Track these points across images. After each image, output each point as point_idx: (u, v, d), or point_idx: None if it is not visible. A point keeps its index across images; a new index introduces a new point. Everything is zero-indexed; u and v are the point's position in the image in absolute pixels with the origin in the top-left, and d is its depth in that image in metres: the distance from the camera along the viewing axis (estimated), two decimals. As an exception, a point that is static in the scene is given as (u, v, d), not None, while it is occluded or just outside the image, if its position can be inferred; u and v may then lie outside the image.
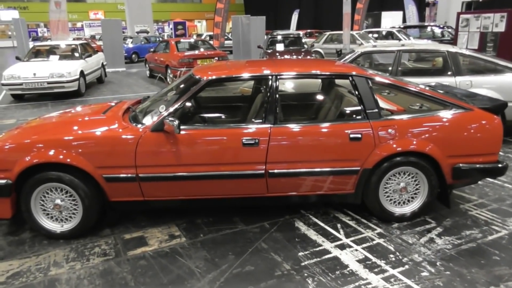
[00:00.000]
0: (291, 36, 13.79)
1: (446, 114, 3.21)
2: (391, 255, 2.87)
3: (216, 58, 10.92)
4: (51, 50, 10.71)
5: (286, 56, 11.74)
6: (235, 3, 40.04)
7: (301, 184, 3.21)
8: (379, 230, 3.23)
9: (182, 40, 12.48)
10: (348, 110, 3.36)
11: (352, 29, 23.65)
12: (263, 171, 3.14)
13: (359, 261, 2.82)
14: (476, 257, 2.83)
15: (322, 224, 3.34)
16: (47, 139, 3.10)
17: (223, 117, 3.67)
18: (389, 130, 3.14)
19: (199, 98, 4.09)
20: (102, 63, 12.30)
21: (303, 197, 3.30)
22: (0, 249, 3.11)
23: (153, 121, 3.11)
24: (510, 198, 3.76)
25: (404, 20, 23.06)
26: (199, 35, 23.75)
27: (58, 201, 3.16)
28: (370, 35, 16.72)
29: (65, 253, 3.04)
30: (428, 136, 3.15)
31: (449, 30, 18.17)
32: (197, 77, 3.34)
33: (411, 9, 22.12)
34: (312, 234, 3.20)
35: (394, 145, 3.13)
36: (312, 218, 3.45)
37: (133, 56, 18.71)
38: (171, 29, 21.88)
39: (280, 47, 12.84)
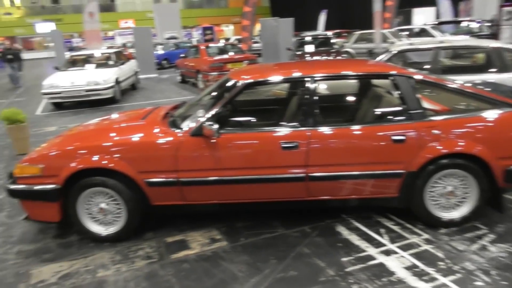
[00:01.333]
0: (320, 37, 13.69)
1: (495, 113, 3.08)
2: (441, 263, 2.76)
3: (247, 62, 10.95)
4: (87, 59, 11.05)
5: (316, 57, 11.64)
6: (261, 5, 40.17)
7: (342, 187, 3.15)
8: (425, 235, 3.12)
9: (211, 44, 12.59)
10: (389, 111, 3.28)
11: (382, 27, 23.32)
12: (303, 175, 3.10)
13: (406, 268, 2.74)
14: (532, 264, 2.69)
15: (364, 229, 3.27)
16: (91, 145, 3.18)
17: (260, 120, 3.65)
18: (434, 131, 3.03)
19: (235, 101, 4.09)
20: (135, 70, 12.58)
21: (343, 201, 3.24)
22: (50, 251, 3.22)
23: (192, 126, 3.13)
24: None
25: (437, 16, 22.41)
26: (226, 39, 23.93)
27: (103, 205, 3.24)
28: (401, 33, 16.40)
29: (111, 256, 3.10)
30: (476, 137, 3.03)
31: (487, 24, 17.58)
32: (233, 81, 3.34)
33: (445, 4, 21.47)
34: (354, 239, 3.13)
35: (440, 147, 3.02)
36: (354, 222, 3.38)
37: (164, 62, 19.03)
38: (200, 34, 22.16)
39: (310, 48, 12.77)
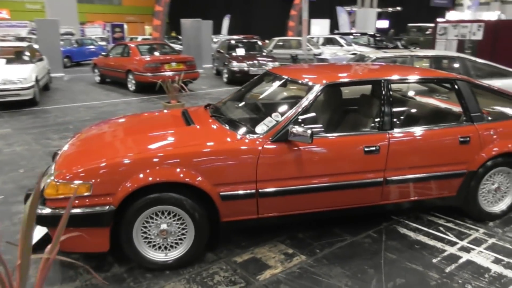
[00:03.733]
0: (247, 41, 13.82)
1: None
2: (518, 253, 2.98)
3: (184, 63, 10.45)
4: (-8, 53, 9.33)
5: (251, 62, 11.69)
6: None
7: (413, 189, 3.19)
8: (481, 229, 3.33)
9: (141, 43, 11.72)
10: (455, 113, 3.42)
11: (286, 35, 24.40)
12: (382, 179, 3.06)
13: (494, 262, 2.88)
14: None
15: (425, 229, 3.35)
16: (154, 156, 2.69)
17: (337, 124, 3.49)
18: (491, 132, 3.25)
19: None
20: (48, 69, 11.06)
21: (408, 203, 3.28)
22: (102, 289, 2.62)
23: (272, 131, 2.85)
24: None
25: (336, 27, 24.28)
26: (132, 39, 22.51)
27: (163, 226, 2.75)
28: (313, 40, 17.39)
29: (184, 286, 2.64)
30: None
31: (377, 38, 19.71)
32: (304, 82, 3.15)
33: (344, 17, 23.40)
34: (425, 239, 3.19)
35: (496, 148, 3.25)
36: (410, 223, 3.44)
37: (65, 60, 17.10)
38: (108, 31, 20.43)
39: (240, 51, 12.77)
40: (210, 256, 2.98)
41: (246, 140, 2.83)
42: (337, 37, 17.86)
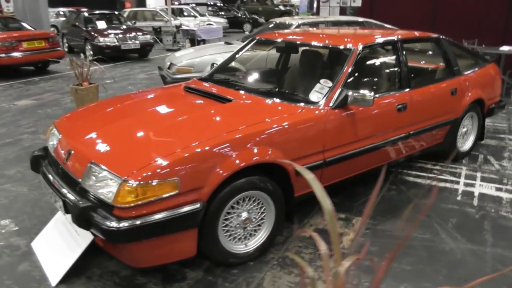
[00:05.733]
0: (107, 13, 12.39)
1: (486, 67, 4.11)
2: (505, 182, 3.63)
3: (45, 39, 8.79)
4: None
5: (118, 35, 10.60)
6: None
7: (423, 140, 3.50)
8: (463, 167, 3.90)
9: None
10: (446, 68, 3.79)
11: (124, 7, 22.61)
12: (407, 133, 3.27)
13: (497, 190, 3.43)
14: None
15: (425, 174, 3.75)
16: (241, 135, 2.31)
17: (372, 85, 3.44)
18: (467, 83, 3.79)
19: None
20: None
21: (418, 152, 3.57)
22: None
23: (329, 97, 2.73)
24: None
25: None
26: None
27: (244, 215, 2.41)
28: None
29: (282, 271, 2.40)
30: (480, 85, 3.97)
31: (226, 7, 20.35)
32: (340, 46, 3.13)
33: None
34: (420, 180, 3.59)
35: (471, 95, 3.81)
36: (410, 172, 3.79)
37: None
38: None
39: (102, 24, 11.40)
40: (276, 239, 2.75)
41: (316, 112, 2.66)
42: (189, 7, 17.55)
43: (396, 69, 3.31)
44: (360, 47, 3.00)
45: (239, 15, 21.48)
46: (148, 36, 11.55)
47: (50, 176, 2.46)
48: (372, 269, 2.39)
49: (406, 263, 2.49)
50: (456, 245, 2.67)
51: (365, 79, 3.36)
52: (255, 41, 3.72)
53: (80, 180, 2.21)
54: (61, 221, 2.63)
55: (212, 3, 21.81)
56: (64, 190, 2.26)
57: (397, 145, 3.25)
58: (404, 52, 3.31)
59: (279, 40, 3.63)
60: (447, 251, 2.61)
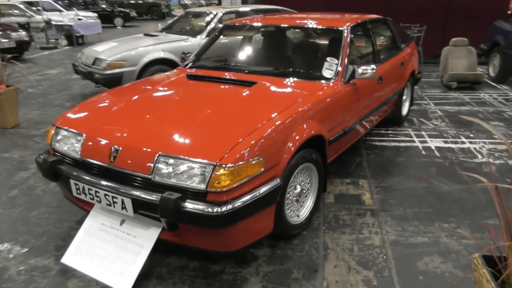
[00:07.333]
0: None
1: (412, 44, 4.83)
2: (451, 133, 4.37)
3: None
4: None
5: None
6: None
7: (389, 106, 4.03)
8: (407, 129, 4.57)
9: None
10: (395, 45, 4.32)
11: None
12: (382, 102, 3.74)
13: (444, 143, 4.14)
14: None
15: (386, 138, 4.30)
16: (291, 114, 2.41)
17: (358, 61, 3.68)
18: (407, 57, 4.44)
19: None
20: None
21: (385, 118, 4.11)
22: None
23: (339, 73, 2.98)
24: None
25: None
26: None
27: (298, 187, 2.55)
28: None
29: (344, 235, 2.61)
30: (413, 59, 4.68)
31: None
32: (330, 27, 3.43)
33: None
34: (400, 144, 4.15)
35: (409, 67, 4.48)
36: (373, 138, 4.31)
37: None
38: None
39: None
40: (309, 208, 2.92)
41: (336, 87, 2.90)
42: (51, 1, 15.88)
43: (370, 46, 3.73)
44: (349, 27, 3.32)
45: (108, 9, 20.20)
46: (23, 33, 10.21)
47: (91, 179, 2.22)
48: (403, 217, 2.78)
49: (425, 207, 2.93)
50: (449, 187, 3.22)
51: (352, 57, 3.71)
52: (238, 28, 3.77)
53: (148, 175, 2.06)
54: (98, 228, 2.38)
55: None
56: (127, 189, 2.08)
57: (376, 113, 3.69)
58: (372, 32, 3.75)
59: (269, 24, 3.81)
60: (446, 193, 3.13)
